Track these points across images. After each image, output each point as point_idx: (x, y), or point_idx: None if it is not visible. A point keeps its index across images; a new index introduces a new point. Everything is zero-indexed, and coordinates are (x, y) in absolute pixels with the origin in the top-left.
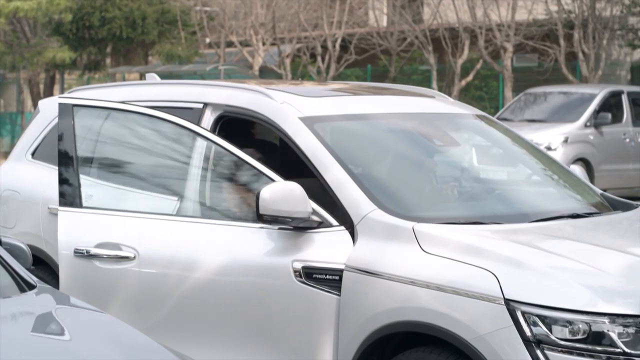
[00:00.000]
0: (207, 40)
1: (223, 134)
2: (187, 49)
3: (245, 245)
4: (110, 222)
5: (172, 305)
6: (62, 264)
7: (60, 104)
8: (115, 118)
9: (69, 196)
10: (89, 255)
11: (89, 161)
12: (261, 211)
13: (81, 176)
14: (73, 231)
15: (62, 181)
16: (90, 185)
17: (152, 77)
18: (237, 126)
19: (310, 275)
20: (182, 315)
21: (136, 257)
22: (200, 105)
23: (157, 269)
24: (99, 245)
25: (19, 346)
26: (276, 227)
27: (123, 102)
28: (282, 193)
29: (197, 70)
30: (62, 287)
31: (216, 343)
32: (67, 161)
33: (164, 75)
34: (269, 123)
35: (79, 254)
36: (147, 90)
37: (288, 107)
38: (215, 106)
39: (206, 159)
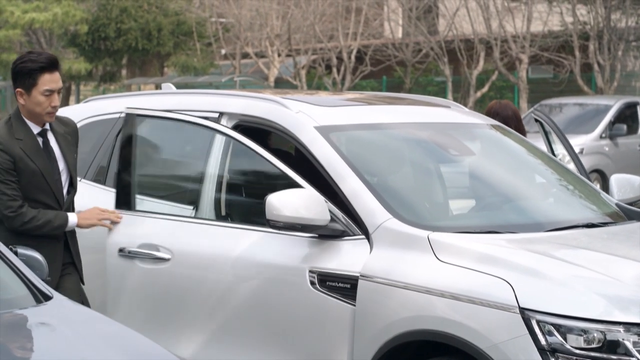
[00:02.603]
0: (223, 51)
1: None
2: (203, 60)
3: (264, 250)
4: (153, 224)
5: (196, 307)
6: (107, 261)
7: (127, 114)
8: (163, 126)
9: (124, 200)
10: (131, 255)
11: (142, 167)
12: (268, 216)
13: (136, 181)
14: (122, 232)
15: (120, 186)
16: (141, 191)
17: (168, 87)
18: (252, 135)
19: (325, 283)
20: (203, 316)
21: (171, 259)
22: (216, 115)
23: (187, 271)
24: (141, 246)
25: (36, 357)
26: (294, 233)
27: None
28: (297, 199)
29: (213, 82)
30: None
31: (234, 344)
32: (126, 167)
33: (179, 86)
34: (285, 132)
35: (122, 253)
36: (164, 100)
37: (304, 117)
38: (231, 115)
39: (236, 166)
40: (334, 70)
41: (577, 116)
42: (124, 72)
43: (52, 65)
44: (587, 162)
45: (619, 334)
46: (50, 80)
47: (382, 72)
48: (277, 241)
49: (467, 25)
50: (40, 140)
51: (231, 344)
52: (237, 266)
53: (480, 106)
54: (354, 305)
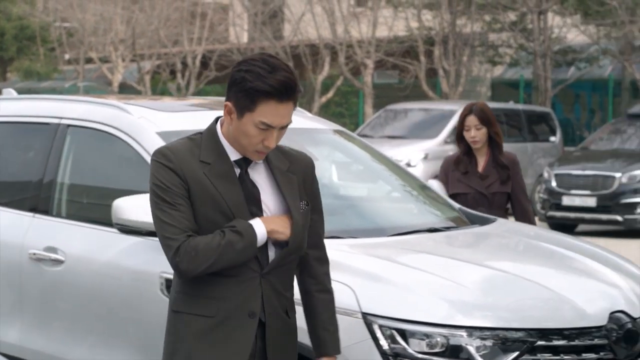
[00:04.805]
0: (67, 56)
1: (80, 148)
2: (46, 65)
3: (121, 252)
4: (53, 227)
5: (69, 308)
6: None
7: None
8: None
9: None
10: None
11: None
12: (114, 220)
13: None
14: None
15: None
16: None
17: (9, 92)
18: (94, 140)
19: (170, 288)
20: (62, 315)
21: (65, 261)
22: (57, 120)
23: (56, 273)
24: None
25: None
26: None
27: None
28: (146, 203)
29: (56, 87)
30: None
31: (97, 346)
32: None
33: (22, 92)
34: (127, 137)
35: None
36: (3, 106)
37: (145, 122)
38: (72, 120)
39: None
40: (179, 75)
41: (422, 121)
42: None
43: (286, 91)
44: (432, 166)
45: (462, 339)
46: (274, 112)
47: (227, 77)
48: (133, 244)
49: (313, 30)
50: (237, 170)
51: (94, 346)
52: (95, 268)
53: (325, 111)
54: None
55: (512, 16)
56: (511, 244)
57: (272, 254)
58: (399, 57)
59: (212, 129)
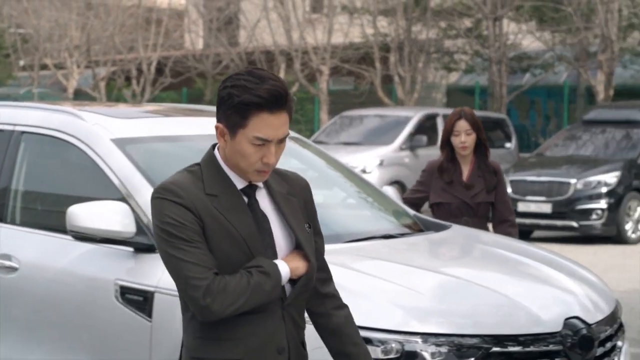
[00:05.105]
0: (21, 62)
1: (34, 155)
2: (1, 71)
3: (78, 259)
4: (7, 234)
5: (24, 314)
6: None
7: None
8: None
9: None
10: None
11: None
12: (69, 227)
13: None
14: None
15: None
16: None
17: None
18: (49, 147)
19: (125, 296)
20: (16, 322)
21: (18, 268)
22: (11, 127)
23: (15, 279)
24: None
25: None
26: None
27: None
28: (101, 211)
29: (11, 93)
30: None
31: (43, 350)
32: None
33: None
34: (81, 144)
35: None
36: None
37: (100, 129)
38: (26, 127)
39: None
40: (134, 81)
41: (377, 127)
42: None
43: (276, 101)
44: (387, 173)
45: (417, 345)
46: (267, 125)
47: (183, 84)
48: (88, 251)
49: (268, 37)
50: (245, 200)
51: (49, 353)
52: (50, 275)
53: None
54: (151, 320)
55: (467, 23)
56: (466, 250)
57: (287, 285)
58: (354, 63)
59: (210, 157)
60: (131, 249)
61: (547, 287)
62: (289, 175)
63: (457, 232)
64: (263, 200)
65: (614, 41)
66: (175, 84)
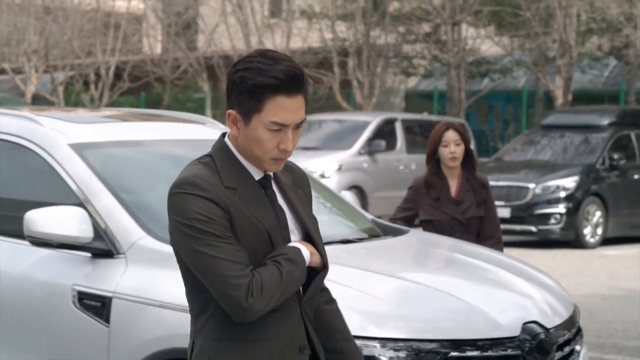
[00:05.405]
0: None
1: None
2: None
3: (36, 265)
4: None
5: None
6: None
7: None
8: None
9: None
10: None
11: None
12: (26, 232)
13: None
14: None
15: None
16: None
17: None
18: (6, 152)
19: (82, 301)
20: None
21: None
22: None
23: None
24: None
25: None
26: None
27: None
28: (58, 216)
29: None
30: None
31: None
32: None
33: None
34: (39, 149)
35: None
36: None
37: (57, 134)
38: None
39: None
40: (92, 86)
41: (335, 132)
42: None
43: (293, 82)
44: (346, 178)
45: (375, 349)
46: (284, 108)
47: (141, 88)
48: (45, 257)
49: (227, 41)
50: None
51: (9, 358)
52: (7, 281)
53: None
54: (109, 325)
55: (426, 27)
56: (425, 255)
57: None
58: (313, 68)
59: (223, 147)
60: (89, 254)
61: (505, 292)
62: (290, 166)
63: (415, 236)
64: (277, 193)
65: (573, 46)
66: (133, 89)
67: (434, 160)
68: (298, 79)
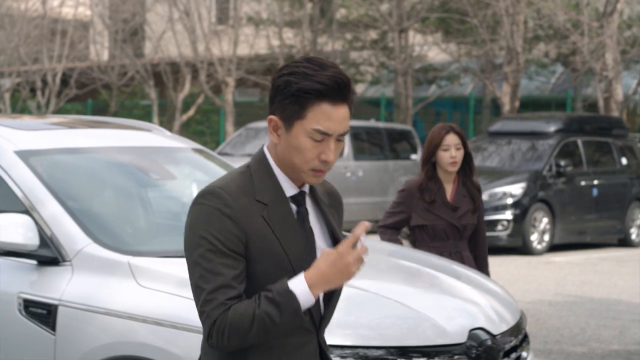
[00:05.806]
0: None
1: None
2: None
3: None
4: None
5: None
6: None
7: None
8: None
9: None
10: None
11: None
12: None
13: None
14: None
15: None
16: None
17: None
18: None
19: (28, 309)
20: None
21: None
22: None
23: None
24: None
25: None
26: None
27: None
28: (2, 223)
29: None
30: None
31: None
32: None
33: None
34: None
35: None
36: None
37: (3, 141)
38: None
39: None
40: (39, 93)
41: None
42: None
43: (339, 89)
44: None
45: None
46: (328, 117)
47: (88, 95)
48: None
49: (174, 48)
50: (293, 209)
51: None
52: None
53: (186, 130)
54: (55, 333)
55: (373, 34)
56: (371, 261)
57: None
58: (260, 75)
59: (260, 157)
60: (34, 262)
61: (452, 299)
62: (326, 185)
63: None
64: (311, 212)
65: (520, 53)
66: (80, 96)
67: (430, 164)
68: (344, 87)
